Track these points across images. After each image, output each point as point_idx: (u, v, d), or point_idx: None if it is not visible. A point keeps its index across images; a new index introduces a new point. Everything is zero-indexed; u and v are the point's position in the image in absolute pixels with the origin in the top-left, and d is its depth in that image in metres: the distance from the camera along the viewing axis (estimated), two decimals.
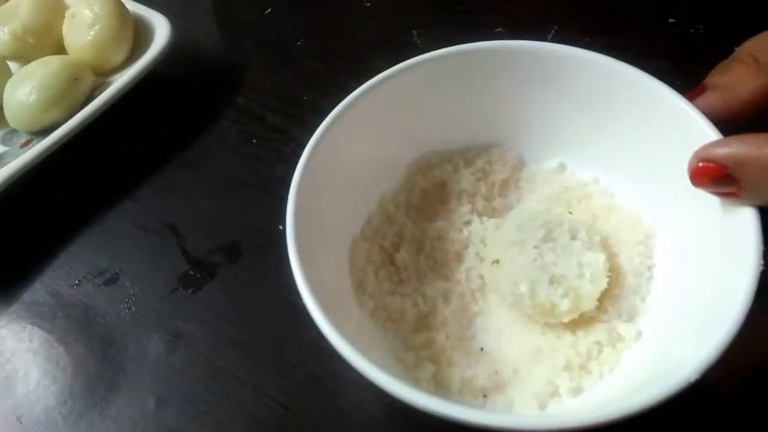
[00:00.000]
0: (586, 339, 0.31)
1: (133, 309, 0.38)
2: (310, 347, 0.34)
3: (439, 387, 0.29)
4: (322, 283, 0.27)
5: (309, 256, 0.28)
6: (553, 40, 0.33)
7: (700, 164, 0.27)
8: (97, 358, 0.36)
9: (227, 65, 0.52)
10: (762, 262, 0.25)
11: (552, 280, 0.30)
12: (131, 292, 0.39)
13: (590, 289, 0.30)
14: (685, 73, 0.31)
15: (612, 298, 0.32)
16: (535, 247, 0.31)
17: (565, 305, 0.30)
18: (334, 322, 0.25)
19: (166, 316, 0.37)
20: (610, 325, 0.31)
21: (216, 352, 0.35)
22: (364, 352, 0.24)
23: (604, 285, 0.31)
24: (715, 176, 0.26)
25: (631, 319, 0.31)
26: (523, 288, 0.30)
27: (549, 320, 0.31)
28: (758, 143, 0.25)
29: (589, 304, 0.30)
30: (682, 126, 0.29)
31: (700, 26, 0.44)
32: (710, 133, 0.28)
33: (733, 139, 0.26)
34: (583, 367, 0.30)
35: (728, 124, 0.29)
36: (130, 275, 0.40)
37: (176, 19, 0.49)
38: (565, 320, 0.30)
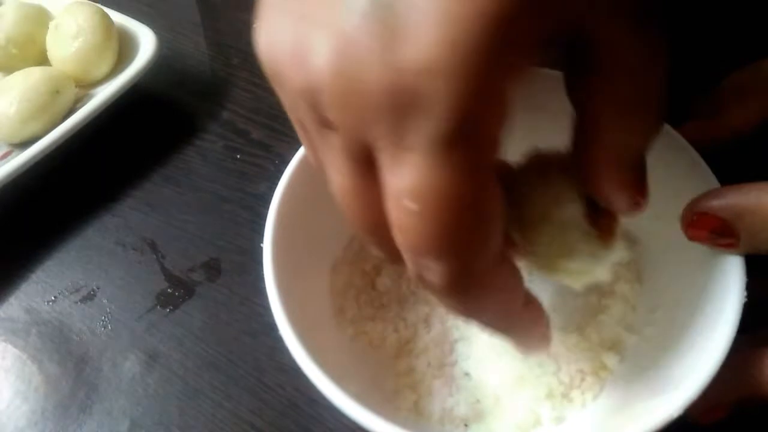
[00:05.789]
0: (569, 367, 0.30)
1: (109, 327, 0.37)
2: (289, 370, 0.33)
3: (420, 416, 0.29)
4: (301, 307, 0.27)
5: (288, 279, 0.27)
6: None
7: (696, 217, 0.25)
8: (71, 378, 0.36)
9: (212, 79, 0.52)
10: (746, 293, 0.24)
11: None
12: (108, 310, 0.38)
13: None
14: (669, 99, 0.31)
15: (596, 326, 0.31)
16: None
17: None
18: (311, 351, 0.24)
19: (143, 335, 0.37)
20: (593, 353, 0.30)
21: (192, 374, 0.35)
22: (343, 379, 0.24)
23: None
24: (713, 229, 0.25)
25: (614, 347, 0.30)
26: None
27: None
28: (756, 193, 0.24)
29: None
30: (669, 153, 0.29)
31: (686, 52, 0.44)
32: (697, 159, 0.28)
33: (728, 189, 0.25)
34: (565, 396, 0.30)
35: (712, 151, 0.29)
36: (108, 292, 0.39)
37: (162, 32, 0.48)
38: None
